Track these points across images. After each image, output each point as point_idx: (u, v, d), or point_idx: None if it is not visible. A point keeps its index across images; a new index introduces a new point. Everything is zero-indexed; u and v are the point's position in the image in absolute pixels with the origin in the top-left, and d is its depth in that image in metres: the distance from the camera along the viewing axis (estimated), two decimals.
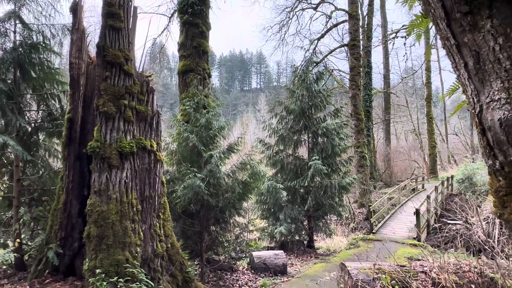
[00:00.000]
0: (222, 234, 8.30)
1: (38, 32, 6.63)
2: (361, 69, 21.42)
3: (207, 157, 7.41)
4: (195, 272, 7.48)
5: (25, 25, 6.52)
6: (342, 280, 6.84)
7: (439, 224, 14.21)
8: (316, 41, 23.30)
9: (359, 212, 18.84)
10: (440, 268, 5.59)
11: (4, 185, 6.93)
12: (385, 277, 5.56)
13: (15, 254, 5.59)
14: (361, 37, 22.79)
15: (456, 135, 36.91)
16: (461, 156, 33.35)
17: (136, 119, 5.40)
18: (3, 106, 5.74)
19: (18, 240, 5.93)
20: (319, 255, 11.32)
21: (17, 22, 6.45)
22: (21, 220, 6.05)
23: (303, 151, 13.05)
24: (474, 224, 10.82)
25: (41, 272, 5.28)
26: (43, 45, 6.49)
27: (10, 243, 6.50)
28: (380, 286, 5.73)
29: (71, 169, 5.46)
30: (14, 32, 6.43)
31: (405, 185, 21.15)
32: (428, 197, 14.55)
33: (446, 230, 12.79)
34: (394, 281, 5.57)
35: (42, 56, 6.49)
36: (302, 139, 12.53)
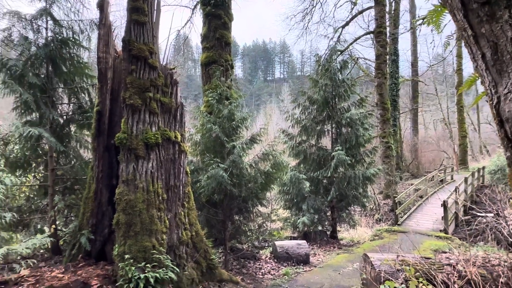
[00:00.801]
0: (245, 223, 8.45)
1: (68, 28, 6.90)
2: (388, 57, 20.79)
3: (230, 148, 7.51)
4: (219, 260, 7.68)
5: (56, 21, 6.80)
6: (364, 271, 6.82)
7: (468, 217, 13.79)
8: (340, 29, 22.79)
9: (384, 203, 18.53)
10: (467, 261, 5.46)
11: (40, 175, 7.34)
12: (409, 269, 5.49)
13: (51, 239, 5.95)
14: (387, 23, 22.04)
15: (490, 124, 35.17)
16: (494, 146, 31.86)
17: (161, 111, 5.57)
18: (38, 99, 6.06)
19: (53, 226, 6.31)
20: (342, 246, 11.29)
21: (48, 19, 6.74)
22: (56, 207, 6.42)
23: (326, 142, 12.93)
24: (507, 217, 10.42)
25: (75, 256, 5.61)
26: (73, 40, 6.76)
27: (46, 229, 6.91)
28: (404, 278, 5.67)
29: (100, 159, 5.71)
30: (46, 28, 6.73)
31: (433, 176, 20.55)
32: (457, 188, 14.11)
33: (475, 223, 12.39)
34: (418, 273, 5.49)
35: (72, 51, 6.76)
36: (326, 130, 12.42)
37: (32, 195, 7.36)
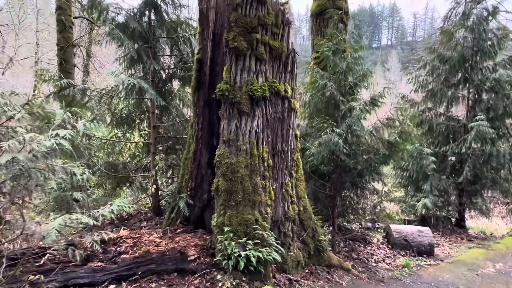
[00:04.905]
0: (357, 200, 7.17)
1: None
2: None
3: (346, 110, 6.21)
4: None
5: None
6: None
7: None
8: None
9: None
10: None
11: (144, 132, 7.17)
12: None
13: (151, 205, 5.65)
14: None
15: None
16: None
17: (269, 58, 4.52)
18: (140, 49, 5.60)
19: (154, 186, 6.03)
20: (472, 238, 9.24)
21: None
22: (157, 166, 6.10)
23: (457, 111, 10.55)
24: None
25: (174, 220, 5.18)
26: None
27: (149, 187, 6.76)
28: None
29: (200, 115, 5.03)
30: None
31: None
32: None
33: None
34: None
35: None
36: (459, 95, 10.03)
37: (137, 153, 7.30)
